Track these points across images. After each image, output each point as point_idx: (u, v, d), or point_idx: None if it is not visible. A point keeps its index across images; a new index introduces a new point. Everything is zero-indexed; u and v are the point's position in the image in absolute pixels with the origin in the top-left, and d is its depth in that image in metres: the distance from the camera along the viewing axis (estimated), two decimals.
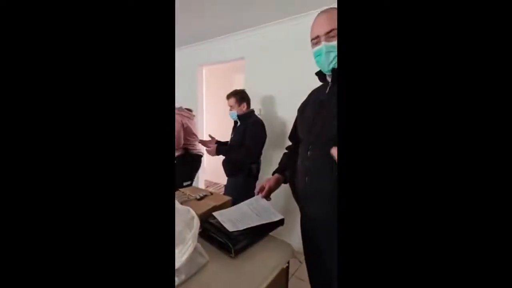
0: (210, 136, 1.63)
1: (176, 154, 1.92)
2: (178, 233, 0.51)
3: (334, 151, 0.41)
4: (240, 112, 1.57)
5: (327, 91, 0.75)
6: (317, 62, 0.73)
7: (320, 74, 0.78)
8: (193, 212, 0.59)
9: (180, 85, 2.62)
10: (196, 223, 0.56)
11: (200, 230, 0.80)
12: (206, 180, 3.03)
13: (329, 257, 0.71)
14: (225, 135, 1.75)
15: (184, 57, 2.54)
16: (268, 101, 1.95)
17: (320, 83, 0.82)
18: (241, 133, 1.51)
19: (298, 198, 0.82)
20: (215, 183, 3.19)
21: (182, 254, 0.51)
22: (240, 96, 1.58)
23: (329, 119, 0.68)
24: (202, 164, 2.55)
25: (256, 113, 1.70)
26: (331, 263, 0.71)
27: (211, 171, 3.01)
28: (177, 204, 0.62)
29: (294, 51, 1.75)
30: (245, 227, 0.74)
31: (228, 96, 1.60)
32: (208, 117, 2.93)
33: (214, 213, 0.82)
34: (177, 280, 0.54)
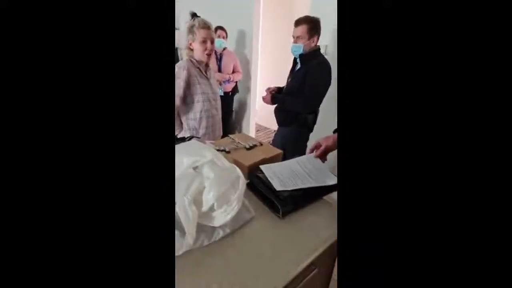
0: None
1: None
2: (222, 193, 0.47)
3: None
4: (308, 48, 1.23)
5: None
6: None
7: None
8: (239, 171, 0.53)
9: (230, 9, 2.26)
10: (242, 184, 0.51)
11: (248, 181, 0.78)
12: (256, 124, 3.03)
13: None
14: (281, 71, 1.50)
15: None
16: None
17: None
18: (300, 78, 1.25)
19: None
20: (266, 128, 3.17)
21: (226, 214, 0.48)
22: (313, 26, 1.20)
23: None
24: (253, 107, 2.47)
25: (321, 51, 1.35)
26: None
27: (263, 115, 2.95)
28: (224, 161, 0.57)
29: None
30: (294, 188, 0.67)
31: (298, 23, 1.21)
32: (263, 49, 2.53)
33: (262, 167, 0.76)
34: (221, 233, 0.54)
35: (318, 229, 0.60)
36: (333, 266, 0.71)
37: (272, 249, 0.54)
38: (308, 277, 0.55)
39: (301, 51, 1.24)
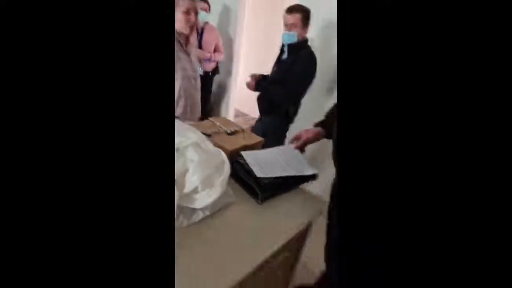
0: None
1: None
2: (206, 176, 0.46)
3: None
4: (301, 37, 1.22)
5: None
6: None
7: None
8: (224, 156, 0.52)
9: None
10: (227, 169, 0.50)
11: None
12: (236, 109, 2.97)
13: None
14: (266, 56, 1.46)
15: None
16: (327, 26, 1.52)
17: None
18: (287, 67, 1.24)
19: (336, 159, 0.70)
20: (244, 114, 3.14)
21: (208, 197, 0.48)
22: (306, 15, 1.18)
23: None
24: (232, 91, 2.40)
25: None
26: None
27: (242, 100, 2.89)
28: (209, 145, 0.55)
29: None
30: (274, 176, 0.69)
31: (291, 10, 1.18)
32: (248, 30, 2.44)
33: (243, 153, 0.76)
34: (201, 214, 0.54)
35: (293, 216, 0.64)
36: (302, 249, 0.77)
37: (250, 232, 0.56)
38: (280, 258, 0.59)
39: (294, 40, 1.21)
